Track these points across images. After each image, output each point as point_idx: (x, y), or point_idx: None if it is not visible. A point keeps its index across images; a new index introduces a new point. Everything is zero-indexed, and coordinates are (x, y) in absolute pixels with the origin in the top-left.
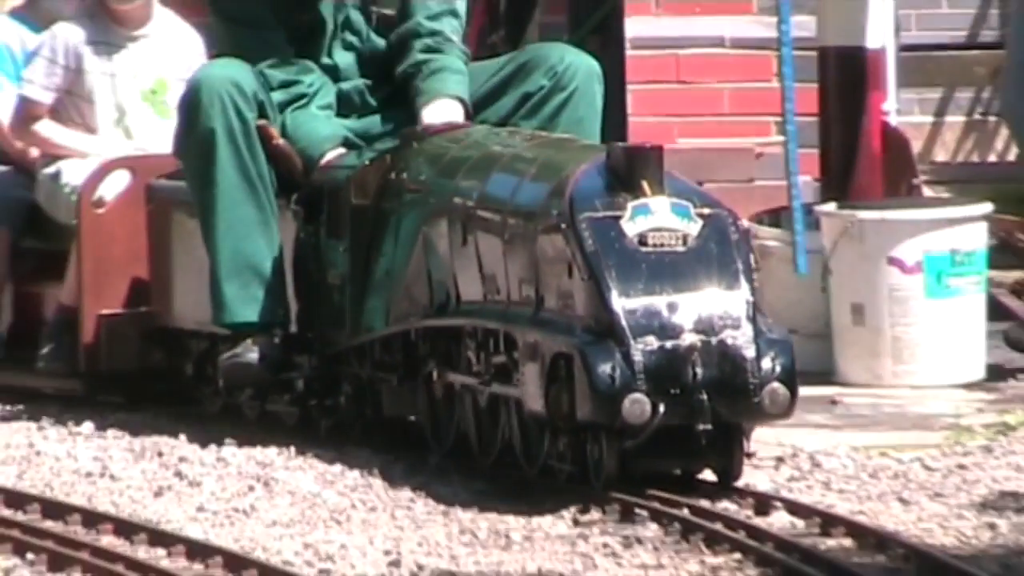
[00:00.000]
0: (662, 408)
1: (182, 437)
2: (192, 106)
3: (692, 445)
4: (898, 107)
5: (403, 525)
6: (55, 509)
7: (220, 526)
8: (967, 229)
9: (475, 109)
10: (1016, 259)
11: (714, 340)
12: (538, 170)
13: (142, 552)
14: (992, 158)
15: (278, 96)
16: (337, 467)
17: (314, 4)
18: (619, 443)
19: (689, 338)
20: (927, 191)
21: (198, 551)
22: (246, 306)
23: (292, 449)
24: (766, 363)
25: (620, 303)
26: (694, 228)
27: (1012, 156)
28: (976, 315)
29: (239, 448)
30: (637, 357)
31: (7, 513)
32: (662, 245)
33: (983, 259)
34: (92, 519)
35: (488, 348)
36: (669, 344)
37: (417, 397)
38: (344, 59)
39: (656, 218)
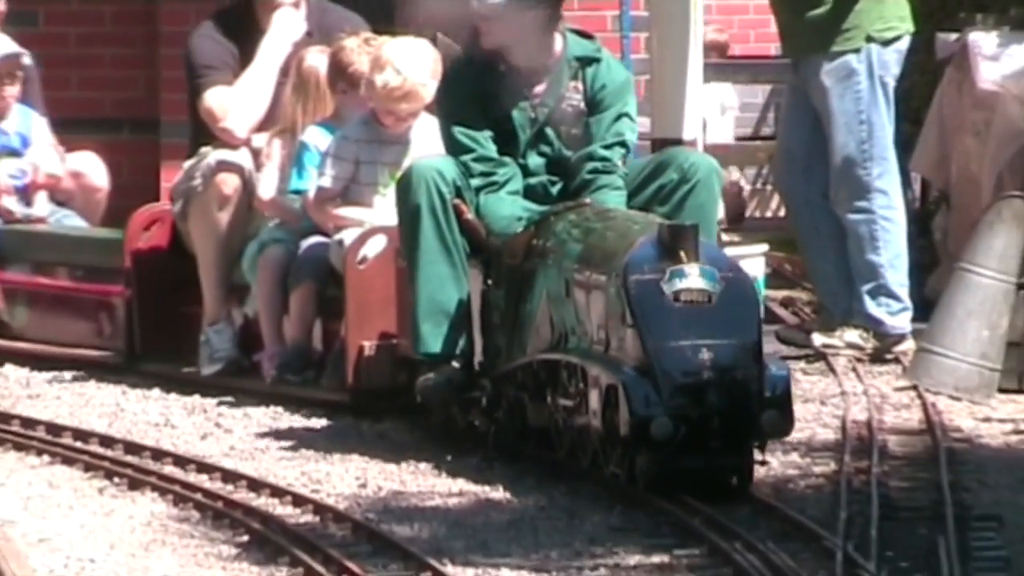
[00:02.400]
0: (683, 429)
1: (223, 404)
2: (405, 187)
3: (712, 457)
4: None
5: (370, 461)
6: (133, 448)
7: (244, 460)
8: (751, 262)
9: (627, 198)
10: (784, 283)
11: (726, 376)
12: (614, 240)
13: (191, 477)
14: (768, 214)
15: (476, 182)
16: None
17: (510, 119)
18: (651, 455)
19: (707, 375)
20: (724, 236)
21: (229, 476)
22: (436, 340)
23: (304, 411)
24: (767, 394)
25: (654, 347)
26: (718, 288)
27: (782, 213)
28: None
29: (255, 407)
30: (664, 389)
31: (100, 450)
32: (691, 302)
33: (762, 283)
34: (158, 455)
35: (576, 377)
36: (691, 379)
37: (541, 413)
38: (535, 161)
39: (688, 280)
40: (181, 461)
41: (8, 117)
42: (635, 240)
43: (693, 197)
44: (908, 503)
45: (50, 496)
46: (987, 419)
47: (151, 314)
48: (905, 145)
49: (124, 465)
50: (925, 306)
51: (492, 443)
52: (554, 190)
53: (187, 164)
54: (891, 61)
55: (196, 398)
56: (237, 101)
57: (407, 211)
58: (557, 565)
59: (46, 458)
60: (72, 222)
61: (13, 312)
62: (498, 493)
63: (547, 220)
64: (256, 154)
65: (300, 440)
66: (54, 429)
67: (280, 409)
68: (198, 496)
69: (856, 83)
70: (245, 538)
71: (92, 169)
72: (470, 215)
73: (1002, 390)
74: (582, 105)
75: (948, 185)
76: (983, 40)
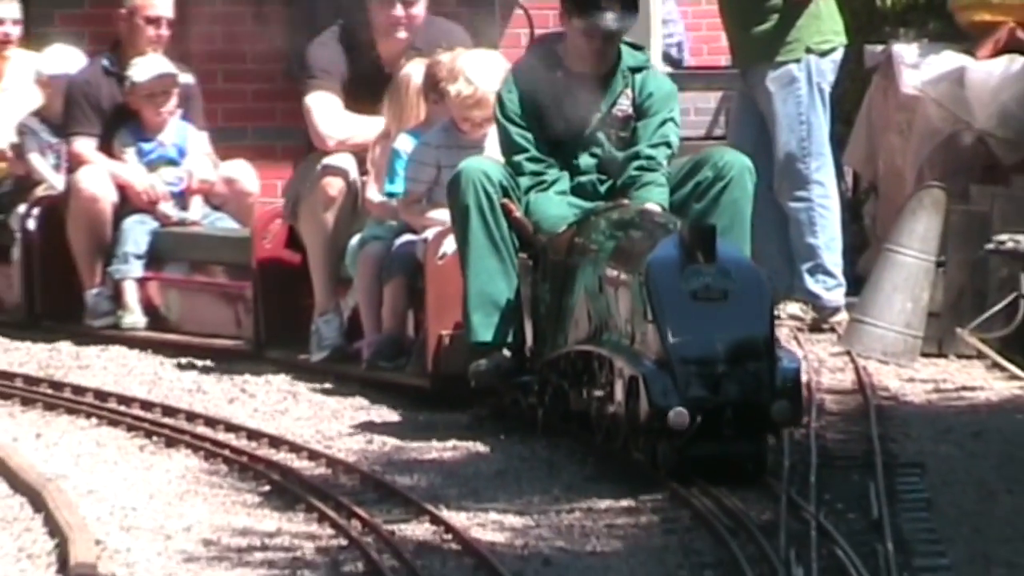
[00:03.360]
0: (698, 418)
1: (249, 375)
2: (454, 188)
3: (726, 445)
4: None
5: (376, 421)
6: (170, 411)
7: (266, 420)
8: None
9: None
10: None
11: (739, 369)
12: (641, 240)
13: (220, 436)
14: None
15: (526, 181)
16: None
17: (566, 122)
18: (670, 441)
19: (721, 367)
20: None
21: (253, 435)
22: (486, 329)
23: (318, 379)
24: (778, 386)
25: (672, 341)
26: (733, 286)
27: None
28: None
29: (275, 376)
30: (681, 381)
31: (141, 413)
32: (708, 299)
33: None
34: (191, 417)
35: (605, 368)
36: (706, 372)
37: (581, 399)
38: (586, 161)
39: (706, 279)
40: (211, 422)
41: (165, 130)
42: (658, 240)
43: (727, 194)
44: (843, 453)
45: (97, 453)
46: (911, 380)
47: (275, 306)
48: (839, 142)
49: (162, 426)
50: (856, 282)
51: (540, 425)
52: (603, 188)
53: (298, 168)
54: (827, 70)
55: (225, 365)
56: (340, 120)
57: (458, 211)
58: (538, 509)
59: (94, 420)
60: (224, 224)
61: (169, 306)
62: (487, 448)
63: (588, 219)
64: (361, 159)
65: (314, 404)
66: (101, 395)
67: (296, 377)
68: (226, 452)
69: (797, 89)
70: (267, 488)
71: (244, 175)
72: (518, 213)
73: (924, 354)
74: (631, 110)
75: (876, 177)
76: (905, 51)
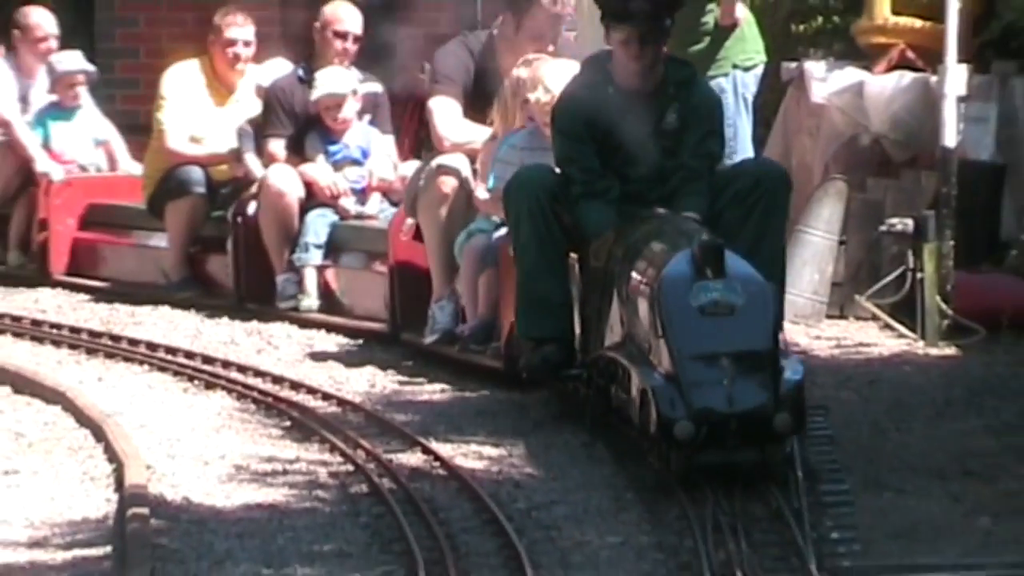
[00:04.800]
0: (704, 430)
1: (275, 330)
2: (509, 194)
3: (733, 452)
4: None
5: (376, 369)
6: (208, 359)
7: (287, 367)
8: None
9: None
10: None
11: (744, 382)
12: (661, 254)
13: (250, 380)
14: None
15: (578, 189)
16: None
17: (617, 133)
18: (680, 451)
19: (726, 380)
20: None
21: (277, 380)
22: (535, 325)
23: (334, 333)
24: (780, 396)
25: (680, 355)
26: (740, 301)
27: None
28: None
29: (299, 330)
30: (688, 394)
31: (184, 360)
32: (715, 314)
33: None
34: (225, 364)
35: (627, 376)
36: (712, 385)
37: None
38: (637, 172)
39: (714, 295)
40: (243, 368)
41: (349, 133)
42: (674, 255)
43: (762, 202)
44: None
45: (148, 394)
46: (818, 337)
47: (409, 292)
48: (760, 143)
49: (201, 372)
50: None
51: (589, 416)
52: (652, 196)
53: (416, 165)
54: (750, 83)
55: (254, 323)
56: (459, 125)
57: (512, 214)
58: (511, 441)
59: (146, 367)
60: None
61: (343, 293)
62: (470, 392)
63: (625, 228)
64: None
65: (328, 354)
66: (152, 346)
67: (314, 333)
68: (254, 394)
69: (725, 99)
70: (287, 423)
71: None
72: (568, 218)
73: (828, 317)
74: (678, 123)
75: (790, 171)
76: (815, 67)
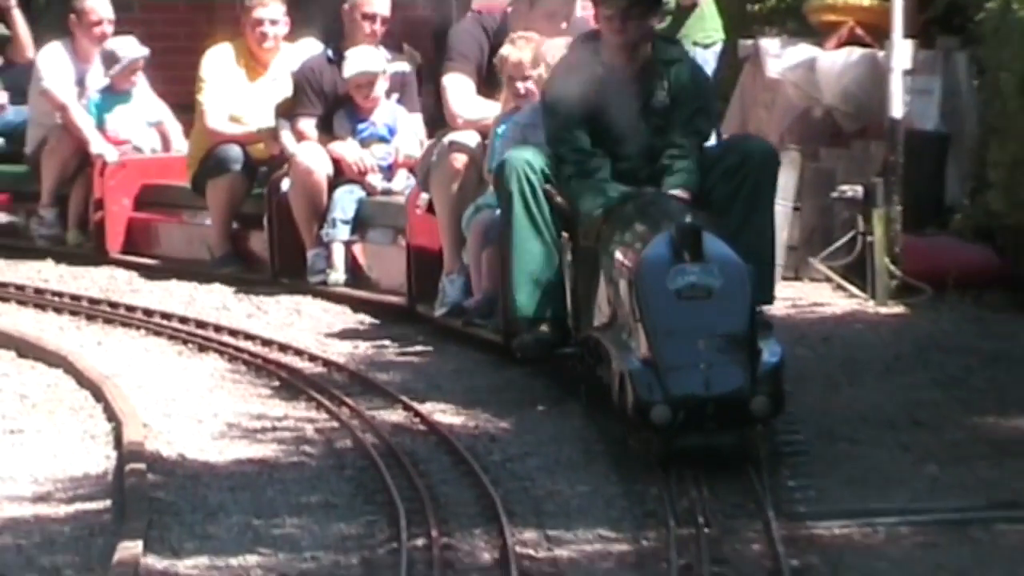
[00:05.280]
0: (681, 414)
1: (272, 298)
2: (500, 176)
3: (711, 435)
4: None
5: (360, 330)
6: (203, 325)
7: (276, 331)
8: None
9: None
10: None
11: (721, 365)
12: (643, 235)
13: (240, 343)
14: None
15: (569, 169)
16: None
17: (608, 112)
18: (658, 434)
19: (703, 364)
20: None
21: (266, 342)
22: (528, 305)
23: (318, 299)
24: (758, 379)
25: (657, 338)
26: (717, 284)
27: None
28: None
29: (286, 296)
30: (665, 378)
31: (178, 325)
32: (692, 297)
33: None
34: (219, 329)
35: (609, 357)
36: (688, 368)
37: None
38: (627, 150)
39: (691, 277)
40: (234, 332)
41: (377, 112)
42: (653, 238)
43: (750, 178)
44: None
45: (144, 357)
46: (774, 298)
47: (426, 266)
48: (719, 116)
49: (195, 336)
50: None
51: (584, 392)
52: (643, 174)
53: (428, 142)
54: (710, 59)
55: (255, 297)
56: (471, 102)
57: (503, 196)
58: (486, 397)
59: (142, 331)
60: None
61: (371, 268)
62: (447, 354)
63: (615, 208)
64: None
65: (314, 319)
66: (148, 312)
67: (300, 297)
68: (244, 356)
69: None
70: (276, 383)
71: None
72: (558, 199)
73: (784, 278)
74: (667, 101)
75: None
76: (770, 44)
